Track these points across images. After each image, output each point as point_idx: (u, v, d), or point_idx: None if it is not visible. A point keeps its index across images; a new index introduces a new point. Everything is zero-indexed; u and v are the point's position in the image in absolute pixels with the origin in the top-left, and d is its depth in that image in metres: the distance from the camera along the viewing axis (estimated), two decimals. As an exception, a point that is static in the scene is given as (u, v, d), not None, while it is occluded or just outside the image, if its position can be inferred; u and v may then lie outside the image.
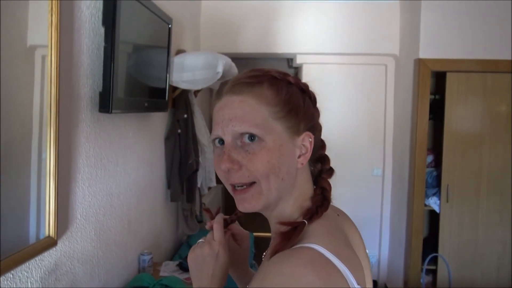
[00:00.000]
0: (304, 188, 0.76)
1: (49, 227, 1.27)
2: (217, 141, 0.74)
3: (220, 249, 0.79)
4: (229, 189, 0.73)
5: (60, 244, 1.38)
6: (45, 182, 1.26)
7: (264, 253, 0.77)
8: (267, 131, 0.69)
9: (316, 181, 0.79)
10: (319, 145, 0.79)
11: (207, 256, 0.79)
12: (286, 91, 0.72)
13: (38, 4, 1.22)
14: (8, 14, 1.12)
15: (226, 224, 0.86)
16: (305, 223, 0.67)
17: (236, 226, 0.89)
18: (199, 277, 0.80)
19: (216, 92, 0.77)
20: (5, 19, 1.11)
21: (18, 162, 1.21)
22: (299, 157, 0.72)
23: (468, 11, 3.15)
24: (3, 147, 1.12)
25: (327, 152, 0.82)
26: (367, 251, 0.85)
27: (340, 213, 0.82)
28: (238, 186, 0.71)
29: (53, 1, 1.24)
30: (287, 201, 0.74)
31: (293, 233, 0.66)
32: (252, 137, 0.69)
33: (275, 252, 0.64)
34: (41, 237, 1.26)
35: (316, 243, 0.62)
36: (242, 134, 0.69)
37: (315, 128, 0.77)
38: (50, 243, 1.28)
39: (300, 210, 0.73)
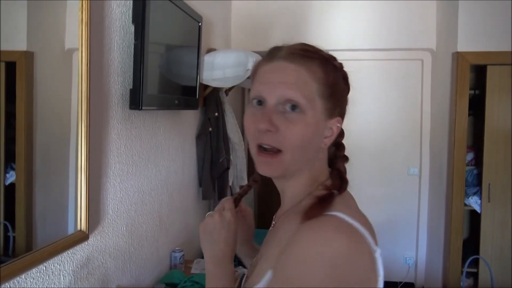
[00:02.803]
0: (322, 168, 0.80)
1: (81, 221, 1.30)
2: (255, 101, 0.75)
3: (231, 217, 0.82)
4: (254, 150, 0.75)
5: (92, 238, 1.40)
6: (77, 177, 1.28)
7: (274, 218, 0.84)
8: (310, 106, 0.71)
9: (332, 164, 0.81)
10: (340, 133, 0.81)
11: (218, 223, 0.81)
12: (333, 74, 0.75)
13: (74, 8, 1.25)
14: (47, 20, 1.17)
15: (236, 200, 0.90)
16: (336, 192, 0.73)
17: (241, 204, 0.92)
18: (210, 244, 0.82)
19: (267, 54, 0.78)
20: (45, 24, 1.16)
21: (59, 158, 1.27)
22: (325, 138, 0.75)
23: None
24: (46, 146, 1.19)
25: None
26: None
27: None
28: (265, 148, 0.73)
29: (84, 0, 1.26)
30: (303, 175, 0.77)
31: (328, 198, 0.70)
32: (294, 106, 0.71)
33: (308, 216, 0.68)
34: (73, 231, 1.29)
35: (339, 211, 0.67)
36: (287, 100, 0.71)
37: (344, 116, 0.80)
38: (82, 237, 1.30)
39: (314, 186, 0.76)
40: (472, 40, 3.05)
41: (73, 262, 1.30)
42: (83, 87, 1.27)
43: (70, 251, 1.28)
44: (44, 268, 1.16)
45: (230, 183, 2.90)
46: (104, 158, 1.49)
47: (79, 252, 1.34)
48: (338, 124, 0.76)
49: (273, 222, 0.85)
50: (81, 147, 1.28)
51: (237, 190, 3.11)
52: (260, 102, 0.74)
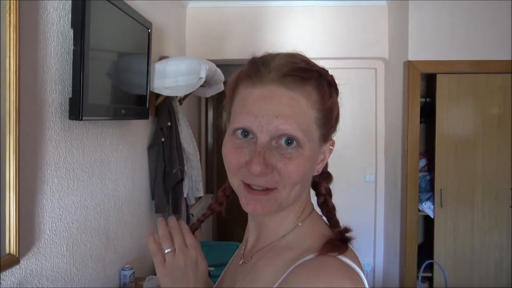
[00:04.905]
0: (307, 196, 0.72)
1: (9, 244, 1.18)
2: (240, 131, 0.63)
3: (198, 255, 0.70)
4: (239, 185, 0.64)
5: (24, 261, 1.28)
6: (4, 194, 1.16)
7: (245, 253, 0.74)
8: (308, 138, 0.62)
9: (316, 186, 0.75)
10: None
11: (184, 267, 0.68)
12: (329, 93, 0.65)
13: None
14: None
15: (194, 228, 0.78)
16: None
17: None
18: None
19: (251, 69, 0.65)
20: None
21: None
22: (317, 164, 0.68)
23: (457, 11, 3.10)
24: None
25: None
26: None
27: None
28: (256, 187, 0.63)
29: (12, 1, 1.16)
30: (292, 208, 0.69)
31: (342, 245, 0.63)
32: (290, 140, 0.61)
33: (325, 252, 0.62)
34: (1, 255, 1.16)
35: (343, 255, 0.61)
36: (283, 135, 0.60)
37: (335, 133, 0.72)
38: (11, 261, 1.18)
39: (300, 219, 0.69)
40: (422, 49, 3.13)
41: (1, 289, 1.18)
42: (12, 96, 1.16)
43: (-3, 277, 1.15)
44: (-36, 299, 1.04)
45: (185, 195, 2.81)
46: (39, 173, 1.37)
47: (9, 277, 1.21)
48: (331, 147, 0.70)
49: (242, 256, 0.76)
50: (9, 162, 1.16)
51: (192, 202, 3.01)
52: (246, 133, 0.63)
